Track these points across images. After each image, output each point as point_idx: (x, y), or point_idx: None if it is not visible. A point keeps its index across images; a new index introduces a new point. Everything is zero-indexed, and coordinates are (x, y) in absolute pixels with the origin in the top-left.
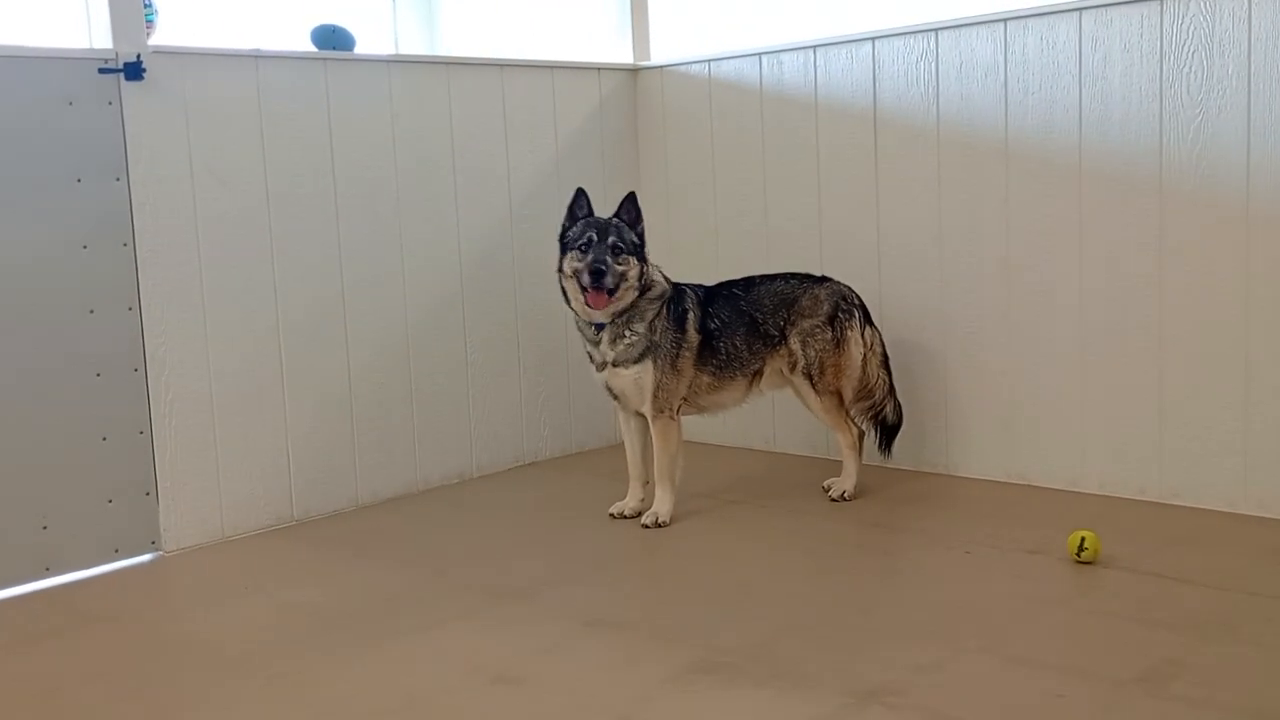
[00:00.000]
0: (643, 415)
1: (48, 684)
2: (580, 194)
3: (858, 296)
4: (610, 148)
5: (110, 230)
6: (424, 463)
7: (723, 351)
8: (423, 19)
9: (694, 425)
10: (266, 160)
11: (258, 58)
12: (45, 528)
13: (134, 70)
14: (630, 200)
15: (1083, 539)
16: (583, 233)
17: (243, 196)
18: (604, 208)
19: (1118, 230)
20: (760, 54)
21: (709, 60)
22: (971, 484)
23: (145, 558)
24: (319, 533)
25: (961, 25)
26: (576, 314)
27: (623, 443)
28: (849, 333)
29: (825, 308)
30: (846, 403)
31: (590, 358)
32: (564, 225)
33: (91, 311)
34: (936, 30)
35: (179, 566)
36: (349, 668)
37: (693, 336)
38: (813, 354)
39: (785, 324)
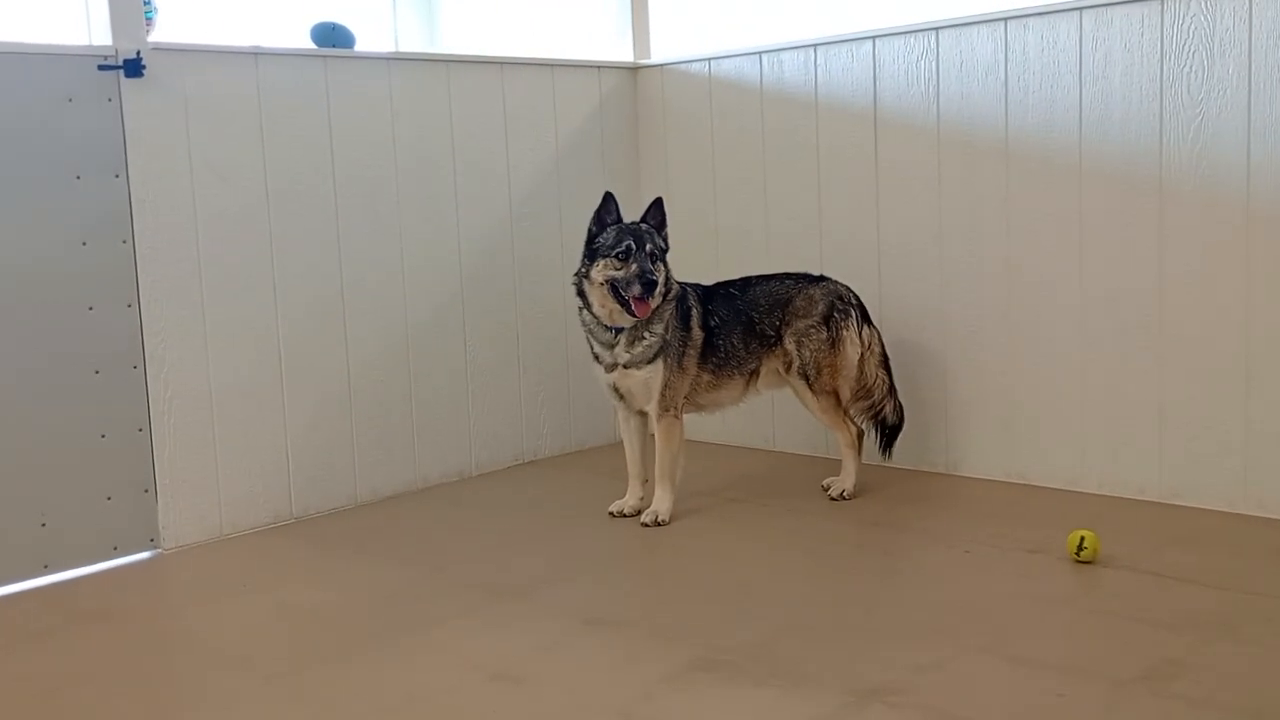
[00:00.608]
0: (643, 414)
1: (46, 682)
2: (609, 198)
3: (855, 296)
4: (610, 146)
5: (109, 227)
6: (423, 461)
7: (722, 350)
8: (423, 16)
9: (694, 424)
10: (266, 158)
11: (257, 55)
12: (44, 525)
13: (133, 67)
14: (658, 205)
15: (1082, 538)
16: (618, 240)
17: (242, 194)
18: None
19: (1118, 230)
20: (760, 53)
21: (709, 59)
22: (971, 483)
23: (144, 555)
24: (318, 531)
25: (962, 24)
26: (596, 318)
27: (622, 441)
28: (845, 332)
29: (820, 307)
30: (844, 402)
31: (598, 359)
32: (591, 230)
33: (91, 309)
34: (937, 29)
35: (178, 564)
36: (348, 665)
37: (697, 334)
38: (808, 354)
39: (781, 324)
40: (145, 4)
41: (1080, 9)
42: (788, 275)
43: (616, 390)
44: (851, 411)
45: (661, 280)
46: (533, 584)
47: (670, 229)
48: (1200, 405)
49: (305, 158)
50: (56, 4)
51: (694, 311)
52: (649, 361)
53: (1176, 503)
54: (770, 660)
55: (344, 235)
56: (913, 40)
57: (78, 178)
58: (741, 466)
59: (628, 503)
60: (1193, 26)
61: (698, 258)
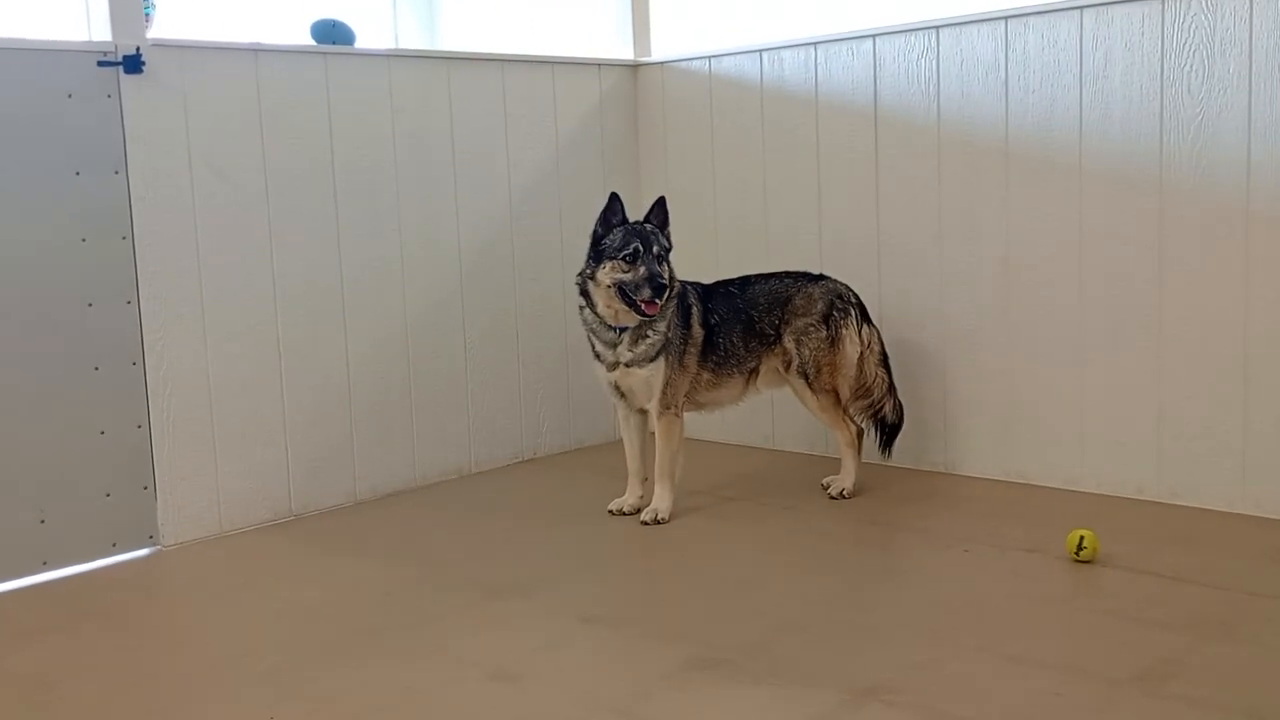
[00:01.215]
0: (643, 412)
1: (45, 678)
2: (615, 199)
3: (855, 295)
4: (610, 144)
5: (109, 223)
6: (422, 458)
7: (721, 348)
8: (423, 14)
9: (693, 422)
10: (266, 155)
11: (257, 51)
12: (43, 521)
13: (133, 63)
14: (661, 204)
15: (1081, 538)
16: (625, 242)
17: (242, 191)
18: (604, 203)
19: (1118, 229)
20: (761, 51)
21: (709, 57)
22: (970, 482)
23: (143, 552)
24: (317, 528)
25: (962, 23)
26: (599, 318)
27: (622, 439)
28: (844, 331)
29: (820, 306)
30: (843, 401)
31: (599, 357)
32: (597, 232)
33: (90, 305)
34: (937, 28)
35: (176, 561)
36: (346, 663)
37: (697, 332)
38: (807, 353)
39: (780, 323)
40: (144, 0)
41: (1081, 8)
42: (787, 274)
43: (617, 388)
44: (851, 410)
45: (669, 283)
46: (531, 582)
47: (670, 227)
48: (1199, 405)
49: (305, 154)
50: (56, 0)
51: (694, 310)
52: (651, 360)
53: (1175, 502)
54: (768, 659)
55: (343, 232)
56: (913, 39)
57: (77, 174)
58: (741, 465)
59: (627, 501)
60: (1193, 26)
61: (697, 256)
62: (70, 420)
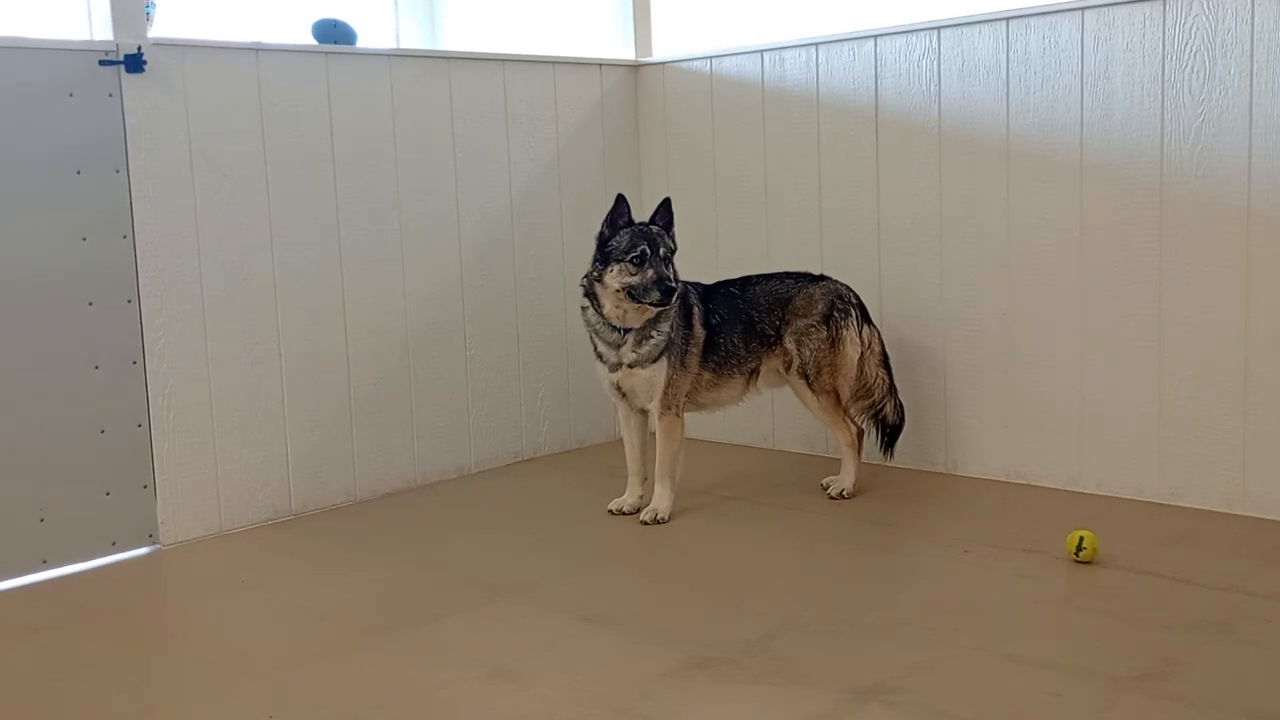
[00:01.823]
0: (644, 412)
1: (44, 676)
2: (621, 201)
3: (855, 295)
4: (611, 144)
5: (110, 222)
6: (422, 458)
7: (722, 348)
8: (424, 13)
9: (694, 422)
10: (267, 154)
11: (258, 51)
12: (43, 520)
13: (134, 62)
14: (666, 205)
15: (1081, 538)
16: (632, 244)
17: (243, 190)
18: (605, 204)
19: (1118, 230)
20: (762, 51)
21: (711, 57)
22: (970, 483)
23: (143, 551)
24: (316, 527)
25: (964, 24)
26: (604, 319)
27: (622, 439)
28: (845, 332)
29: (820, 307)
30: (844, 401)
31: (601, 358)
32: (603, 233)
33: (90, 304)
34: (938, 28)
35: (176, 560)
36: (346, 661)
37: (699, 332)
38: (808, 353)
39: (780, 323)
40: None
41: (1082, 9)
42: (788, 274)
43: (619, 389)
44: (852, 411)
45: (677, 284)
46: (531, 581)
47: (674, 228)
48: (1199, 405)
49: (306, 154)
50: None
51: (695, 310)
52: (653, 360)
53: (1175, 503)
54: (768, 658)
55: (344, 232)
56: (914, 39)
57: (78, 173)
58: (741, 465)
59: (627, 500)
60: (1194, 27)
61: (698, 256)
62: (71, 419)
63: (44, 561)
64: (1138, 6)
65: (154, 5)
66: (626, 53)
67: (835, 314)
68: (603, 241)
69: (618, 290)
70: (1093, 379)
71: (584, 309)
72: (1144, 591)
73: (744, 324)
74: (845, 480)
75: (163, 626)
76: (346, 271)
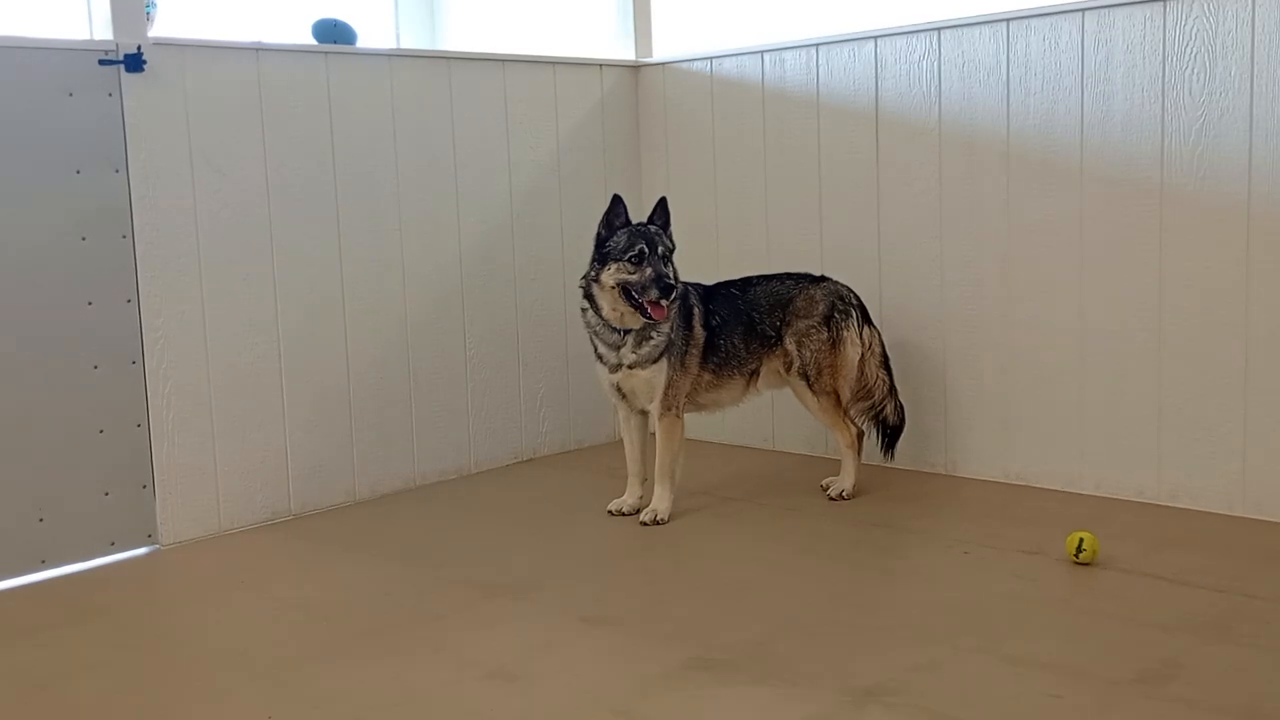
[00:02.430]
0: (644, 413)
1: (43, 676)
2: (617, 201)
3: (856, 296)
4: (611, 144)
5: (109, 222)
6: (422, 458)
7: (723, 349)
8: (424, 13)
9: (694, 423)
10: (267, 154)
11: (259, 51)
12: (42, 520)
13: (134, 62)
14: (662, 205)
15: (1081, 540)
16: (630, 244)
17: (243, 190)
18: (605, 204)
19: (1118, 231)
20: (762, 52)
21: (711, 57)
22: (970, 484)
23: (142, 551)
24: (316, 527)
25: (964, 25)
26: (604, 320)
27: (621, 439)
28: (845, 333)
29: (821, 308)
30: (844, 403)
31: (601, 359)
32: (600, 234)
33: (90, 303)
34: (939, 29)
35: (175, 560)
36: (344, 662)
37: (699, 333)
38: (808, 355)
39: (781, 324)
40: None
41: (1082, 10)
42: (788, 275)
43: (619, 390)
44: (852, 412)
45: (677, 284)
46: (530, 582)
47: (671, 227)
48: (1199, 407)
49: (306, 154)
50: None
51: (696, 311)
52: (654, 361)
53: (1175, 504)
54: (767, 659)
55: (344, 232)
56: (915, 40)
57: (78, 172)
58: (741, 466)
59: (627, 501)
60: (1195, 28)
61: (698, 257)
62: (70, 419)
63: (43, 561)
64: (1138, 8)
65: (154, 5)
66: (627, 53)
67: (836, 315)
68: (600, 241)
69: (614, 288)
70: (1092, 380)
71: (584, 310)
72: (1143, 593)
73: (744, 325)
74: (845, 481)
75: (162, 627)
76: (346, 271)
